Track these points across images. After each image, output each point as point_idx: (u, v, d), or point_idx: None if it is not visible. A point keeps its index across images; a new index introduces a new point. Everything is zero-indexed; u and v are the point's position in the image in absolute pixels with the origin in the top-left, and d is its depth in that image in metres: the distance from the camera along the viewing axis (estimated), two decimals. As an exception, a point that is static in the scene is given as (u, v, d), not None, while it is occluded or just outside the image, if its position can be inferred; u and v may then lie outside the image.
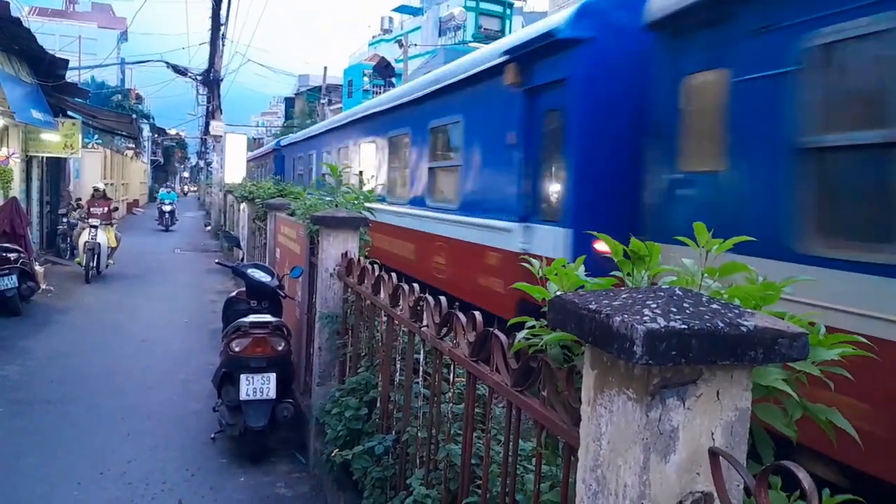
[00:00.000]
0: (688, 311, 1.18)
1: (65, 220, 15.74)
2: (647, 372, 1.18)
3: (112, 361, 7.27)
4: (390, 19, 59.95)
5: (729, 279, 1.67)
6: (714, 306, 1.22)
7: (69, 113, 16.66)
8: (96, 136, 24.24)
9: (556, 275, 1.89)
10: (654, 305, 1.19)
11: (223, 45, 22.76)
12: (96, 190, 13.80)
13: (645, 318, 1.14)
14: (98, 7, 58.58)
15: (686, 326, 1.12)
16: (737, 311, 1.21)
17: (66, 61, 13.94)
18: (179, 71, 24.29)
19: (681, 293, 1.27)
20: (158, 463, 4.76)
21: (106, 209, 13.24)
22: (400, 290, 3.25)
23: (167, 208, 25.42)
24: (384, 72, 18.72)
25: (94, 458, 4.81)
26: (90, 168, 23.99)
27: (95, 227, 12.50)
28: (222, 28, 21.85)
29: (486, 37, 33.33)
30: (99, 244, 12.50)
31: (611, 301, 1.27)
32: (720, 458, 1.21)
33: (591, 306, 1.26)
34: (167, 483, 4.46)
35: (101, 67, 32.39)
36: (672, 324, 1.12)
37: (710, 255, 1.65)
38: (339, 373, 4.52)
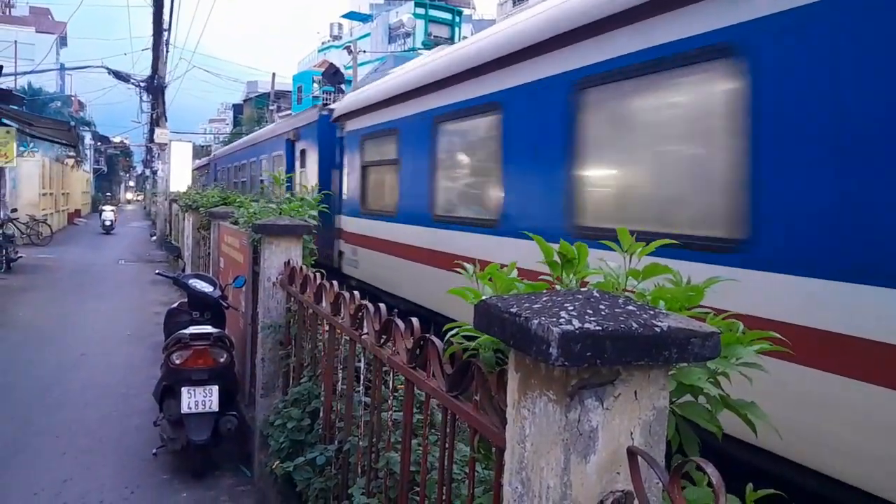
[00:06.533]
0: (603, 313, 1.19)
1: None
2: (565, 373, 1.19)
3: (48, 377, 7.00)
4: (339, 25, 59.66)
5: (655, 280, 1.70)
6: (630, 308, 1.24)
7: (3, 120, 16.09)
8: (32, 144, 23.38)
9: (490, 279, 1.90)
10: (571, 308, 1.21)
11: (167, 50, 22.27)
12: None
13: (561, 320, 1.15)
14: (36, 11, 56.73)
15: (600, 328, 1.14)
16: (652, 313, 1.23)
17: (0, 67, 13.39)
18: (121, 77, 23.65)
19: (598, 295, 1.29)
20: (96, 481, 4.59)
21: None
22: (341, 299, 3.21)
23: None
24: (333, 78, 18.54)
25: (27, 478, 4.62)
26: (27, 177, 23.20)
27: None
28: (165, 34, 21.36)
29: (435, 44, 33.48)
30: None
31: (531, 304, 1.28)
32: (638, 456, 1.23)
33: (512, 309, 1.27)
34: (104, 502, 4.32)
35: (38, 73, 31.30)
36: (587, 325, 1.14)
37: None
38: (282, 384, 4.45)
